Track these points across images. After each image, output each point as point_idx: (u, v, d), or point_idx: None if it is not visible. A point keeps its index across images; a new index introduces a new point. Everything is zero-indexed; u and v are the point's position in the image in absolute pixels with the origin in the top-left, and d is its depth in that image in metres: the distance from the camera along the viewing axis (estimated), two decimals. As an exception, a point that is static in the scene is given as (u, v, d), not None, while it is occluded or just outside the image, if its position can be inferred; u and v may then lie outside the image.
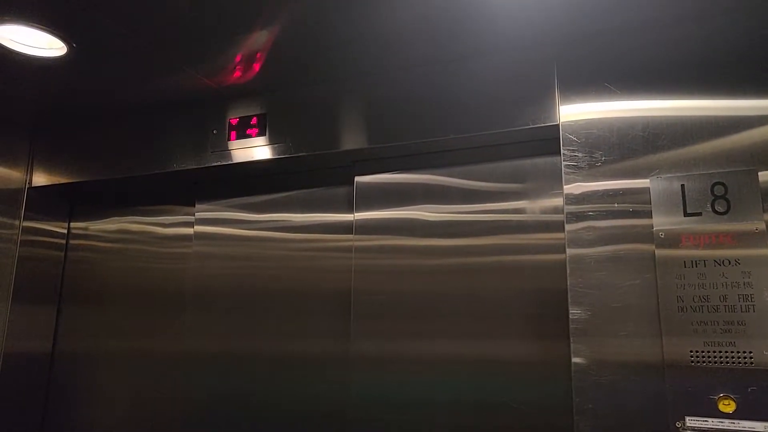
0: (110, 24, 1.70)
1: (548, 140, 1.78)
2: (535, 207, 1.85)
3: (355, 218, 2.04)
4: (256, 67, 1.97)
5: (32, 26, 1.69)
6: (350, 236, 2.05)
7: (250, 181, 2.31)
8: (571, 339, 1.56)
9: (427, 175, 1.99)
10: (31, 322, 2.47)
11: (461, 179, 1.95)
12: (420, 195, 1.99)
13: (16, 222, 2.48)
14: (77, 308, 2.54)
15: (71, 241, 2.64)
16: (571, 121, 1.69)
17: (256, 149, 2.10)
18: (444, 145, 1.92)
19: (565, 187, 1.65)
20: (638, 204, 1.57)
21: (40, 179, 2.49)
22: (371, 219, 2.02)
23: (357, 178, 2.07)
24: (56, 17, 1.66)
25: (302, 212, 2.21)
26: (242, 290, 2.23)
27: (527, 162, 1.87)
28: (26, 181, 2.51)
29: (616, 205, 1.59)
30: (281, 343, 2.13)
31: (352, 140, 1.97)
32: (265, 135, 2.09)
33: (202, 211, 2.36)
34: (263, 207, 2.28)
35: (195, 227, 2.36)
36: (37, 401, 2.49)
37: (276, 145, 2.07)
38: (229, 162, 2.13)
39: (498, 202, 1.89)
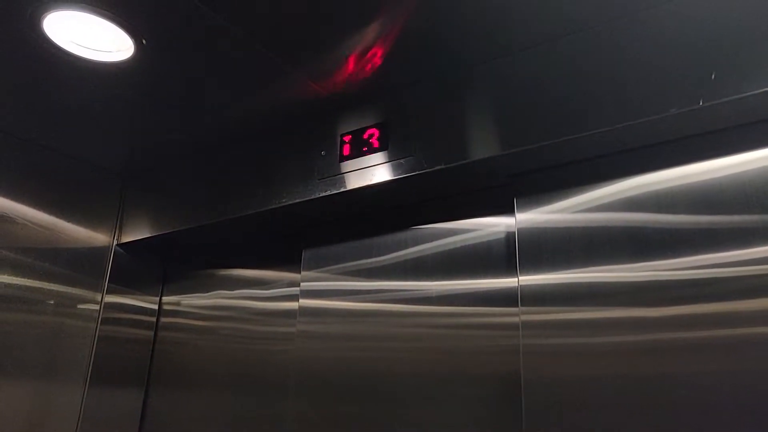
0: (190, 9, 1.31)
1: None
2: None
3: (521, 283, 1.40)
4: (377, 62, 1.52)
5: (87, 9, 1.33)
6: (514, 309, 1.42)
7: (368, 224, 1.78)
8: None
9: (630, 213, 1.32)
10: (113, 408, 2.13)
11: (689, 214, 1.25)
12: (620, 239, 1.31)
13: (98, 296, 2.17)
14: (168, 393, 2.16)
15: (162, 319, 2.30)
16: None
17: (376, 169, 1.58)
18: (651, 133, 1.28)
19: None
20: None
21: (129, 234, 2.18)
22: (546, 283, 1.37)
23: (519, 214, 1.45)
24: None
25: (436, 277, 1.61)
26: (359, 376, 1.65)
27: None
28: (114, 237, 2.22)
29: None
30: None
31: (505, 141, 1.40)
32: (386, 149, 1.58)
33: (309, 281, 1.85)
34: (384, 272, 1.71)
35: (300, 300, 1.85)
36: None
37: (401, 161, 1.54)
38: (342, 189, 1.62)
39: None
